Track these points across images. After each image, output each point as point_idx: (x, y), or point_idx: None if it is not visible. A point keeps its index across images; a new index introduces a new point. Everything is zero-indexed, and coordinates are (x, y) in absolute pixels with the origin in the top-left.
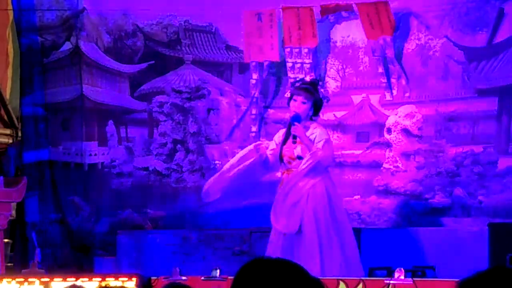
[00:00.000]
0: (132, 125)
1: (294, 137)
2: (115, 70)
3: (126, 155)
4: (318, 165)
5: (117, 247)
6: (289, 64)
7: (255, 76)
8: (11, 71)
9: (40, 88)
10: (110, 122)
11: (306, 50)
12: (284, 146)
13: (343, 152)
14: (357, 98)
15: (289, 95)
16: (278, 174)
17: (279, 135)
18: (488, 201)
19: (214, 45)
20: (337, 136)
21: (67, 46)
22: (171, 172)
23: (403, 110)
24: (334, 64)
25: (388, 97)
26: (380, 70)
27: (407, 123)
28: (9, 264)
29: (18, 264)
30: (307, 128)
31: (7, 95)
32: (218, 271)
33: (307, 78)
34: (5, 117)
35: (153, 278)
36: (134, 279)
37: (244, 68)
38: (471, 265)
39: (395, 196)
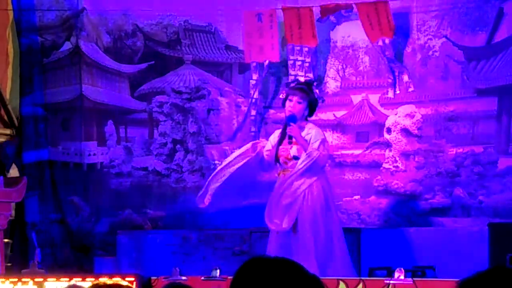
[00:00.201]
0: (132, 125)
1: (290, 137)
2: (115, 70)
3: (125, 155)
4: (314, 165)
5: (117, 247)
6: (290, 62)
7: (255, 76)
8: (11, 71)
9: (40, 88)
10: (110, 122)
11: (306, 49)
12: (280, 147)
13: (343, 152)
14: (356, 98)
15: (284, 96)
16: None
17: (274, 136)
18: (488, 201)
19: (214, 45)
20: (337, 136)
21: (67, 46)
22: (171, 172)
23: (403, 110)
24: (334, 64)
25: (390, 94)
26: (384, 70)
27: (407, 123)
28: (8, 264)
29: (17, 264)
30: (302, 129)
31: (7, 95)
32: (218, 271)
33: (302, 79)
34: (5, 117)
35: (153, 278)
36: (134, 279)
37: (244, 68)
38: (471, 265)
39: (395, 196)
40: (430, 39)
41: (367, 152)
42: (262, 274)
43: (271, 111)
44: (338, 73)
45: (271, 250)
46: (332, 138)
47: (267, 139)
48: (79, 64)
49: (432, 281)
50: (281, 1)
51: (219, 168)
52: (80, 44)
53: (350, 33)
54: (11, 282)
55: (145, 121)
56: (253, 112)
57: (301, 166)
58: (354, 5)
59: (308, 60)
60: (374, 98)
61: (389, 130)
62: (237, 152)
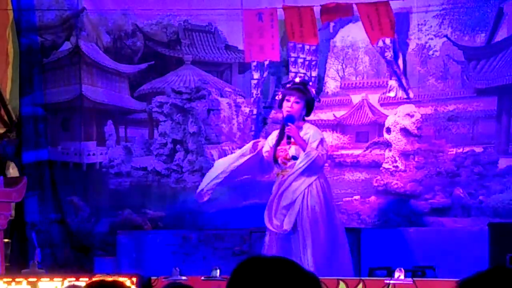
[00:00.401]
0: (132, 125)
1: (289, 137)
2: (114, 70)
3: (124, 155)
4: (313, 164)
5: (117, 247)
6: (291, 59)
7: (256, 76)
8: (11, 71)
9: (39, 88)
10: (109, 122)
11: (308, 47)
12: (278, 147)
13: (343, 152)
14: (356, 98)
15: (280, 97)
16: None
17: (272, 137)
18: (488, 201)
19: (213, 45)
20: (337, 136)
21: (67, 46)
22: (171, 173)
23: (403, 109)
24: (333, 64)
25: (400, 94)
26: (384, 70)
27: (407, 122)
28: (6, 264)
29: (17, 264)
30: (300, 129)
31: (7, 95)
32: (218, 271)
33: (297, 79)
34: (5, 117)
35: (153, 278)
36: (134, 279)
37: (244, 68)
38: (471, 265)
39: (395, 196)
40: (431, 38)
41: (367, 152)
42: (259, 273)
43: (271, 111)
44: (338, 73)
45: (269, 250)
46: (332, 138)
47: (266, 139)
48: (78, 64)
49: (432, 281)
50: (282, 1)
51: (220, 164)
52: (80, 44)
53: (350, 33)
54: (5, 282)
55: (145, 121)
56: (255, 111)
57: (300, 166)
58: (354, 5)
59: (308, 58)
60: (373, 98)
61: (388, 130)
62: (238, 152)
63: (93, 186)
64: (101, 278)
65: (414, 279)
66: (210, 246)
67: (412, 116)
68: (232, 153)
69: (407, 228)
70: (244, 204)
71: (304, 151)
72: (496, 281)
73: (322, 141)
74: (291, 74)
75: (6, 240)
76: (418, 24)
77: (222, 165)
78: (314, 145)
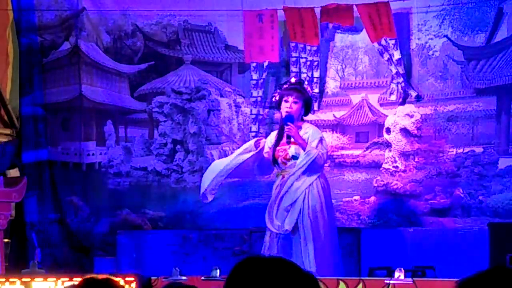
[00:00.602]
0: (132, 125)
1: (288, 137)
2: (114, 70)
3: (124, 155)
4: (314, 164)
5: (117, 247)
6: (292, 59)
7: (255, 76)
8: (11, 71)
9: (39, 88)
10: (109, 122)
11: (309, 48)
12: (278, 148)
13: (343, 152)
14: (356, 98)
15: (277, 98)
16: None
17: (271, 138)
18: (488, 201)
19: (213, 45)
20: (337, 137)
21: (66, 46)
22: (171, 173)
23: (402, 110)
24: (333, 64)
25: (393, 98)
26: (384, 70)
27: (406, 123)
28: (6, 264)
29: (15, 264)
30: (299, 128)
31: (7, 95)
32: (218, 271)
33: (293, 80)
34: (5, 117)
35: (153, 278)
36: (134, 279)
37: (243, 68)
38: (471, 265)
39: (395, 197)
40: (431, 39)
41: (366, 152)
42: (257, 273)
43: (271, 111)
44: (338, 73)
45: (270, 251)
46: (332, 138)
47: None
48: (78, 64)
49: (432, 281)
50: (282, 2)
51: (220, 163)
52: (80, 44)
53: (349, 33)
54: None
55: (144, 121)
56: (254, 111)
57: (300, 166)
58: (355, 6)
59: (310, 58)
60: (373, 98)
61: (388, 130)
62: (240, 149)
63: (93, 186)
64: (92, 276)
65: (414, 279)
66: (210, 246)
67: (412, 116)
68: (232, 153)
69: (407, 228)
70: (244, 204)
71: (304, 150)
72: (496, 281)
73: (321, 140)
74: (292, 74)
75: (6, 240)
76: (418, 24)
77: (222, 164)
78: (314, 144)
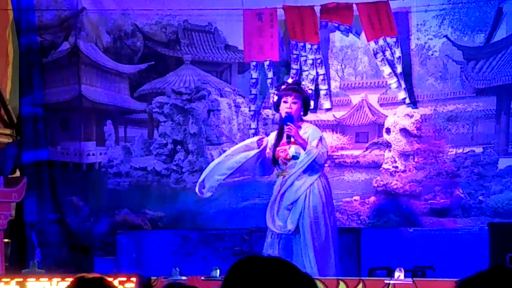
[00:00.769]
0: (131, 125)
1: (288, 137)
2: (114, 70)
3: (123, 155)
4: (314, 163)
5: (117, 247)
6: (293, 56)
7: (255, 75)
8: (11, 71)
9: (39, 88)
10: (109, 122)
11: (309, 46)
12: (278, 148)
13: (342, 152)
14: (356, 98)
15: (275, 100)
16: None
17: (271, 138)
18: (488, 201)
19: (213, 45)
20: (336, 137)
21: (65, 46)
22: (170, 173)
23: (402, 110)
24: (333, 64)
25: (403, 96)
26: (386, 70)
27: (406, 123)
28: (6, 264)
29: (15, 264)
30: (299, 128)
31: (7, 95)
32: (218, 271)
33: (289, 80)
34: (5, 117)
35: (153, 278)
36: (134, 279)
37: (243, 68)
38: (471, 265)
39: (395, 197)
40: (431, 39)
41: (366, 152)
42: (255, 273)
43: (270, 111)
44: (337, 73)
45: (272, 252)
46: (332, 138)
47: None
48: (77, 64)
49: (432, 281)
50: (282, 1)
51: (221, 158)
52: (79, 44)
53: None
54: None
55: (144, 121)
56: (252, 107)
57: (301, 165)
58: (354, 5)
59: (312, 56)
60: (373, 98)
61: (388, 131)
62: (241, 146)
63: (93, 186)
64: (83, 275)
65: (414, 279)
66: (210, 246)
67: (411, 117)
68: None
69: (407, 228)
70: (244, 204)
71: (304, 150)
72: (496, 281)
73: (321, 139)
74: (293, 72)
75: (6, 240)
76: (418, 25)
77: (224, 163)
78: (314, 143)
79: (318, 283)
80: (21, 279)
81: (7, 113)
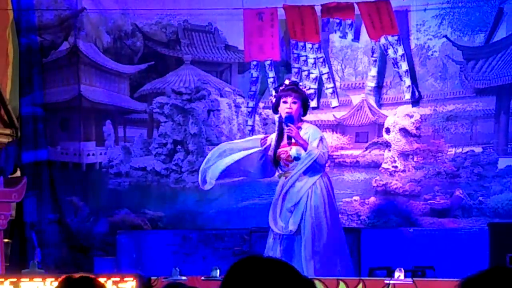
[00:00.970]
0: (131, 125)
1: (289, 138)
2: (114, 70)
3: (123, 155)
4: (315, 163)
5: (116, 247)
6: (294, 55)
7: (255, 74)
8: (11, 71)
9: (39, 88)
10: (108, 122)
11: (310, 45)
12: (279, 149)
13: (342, 152)
14: (356, 99)
15: (274, 101)
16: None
17: (272, 139)
18: (488, 201)
19: (213, 45)
20: (337, 137)
21: (65, 46)
22: (170, 173)
23: (402, 110)
24: (333, 64)
25: (391, 94)
26: (383, 70)
27: (406, 123)
28: (6, 264)
29: (15, 264)
30: (299, 129)
31: (7, 95)
32: (218, 271)
33: (287, 81)
34: (5, 117)
35: (153, 278)
36: (133, 279)
37: (243, 68)
38: (471, 265)
39: (395, 197)
40: (430, 39)
41: (366, 152)
42: (254, 273)
43: (271, 111)
44: (337, 74)
45: (273, 253)
46: (332, 138)
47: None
48: (77, 64)
49: (432, 281)
50: (282, 0)
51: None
52: (79, 44)
53: None
54: None
55: (144, 121)
56: (251, 104)
57: (302, 166)
58: (355, 4)
59: (314, 55)
60: (373, 99)
61: (388, 131)
62: (244, 142)
63: (93, 186)
64: (70, 275)
65: (414, 279)
66: (210, 246)
67: (411, 117)
68: (231, 154)
69: (407, 228)
70: (244, 204)
71: (305, 151)
72: (496, 281)
73: (322, 139)
74: (294, 70)
75: (6, 240)
76: (417, 25)
77: (228, 157)
78: (315, 143)
79: (318, 283)
80: (15, 279)
81: (7, 113)
